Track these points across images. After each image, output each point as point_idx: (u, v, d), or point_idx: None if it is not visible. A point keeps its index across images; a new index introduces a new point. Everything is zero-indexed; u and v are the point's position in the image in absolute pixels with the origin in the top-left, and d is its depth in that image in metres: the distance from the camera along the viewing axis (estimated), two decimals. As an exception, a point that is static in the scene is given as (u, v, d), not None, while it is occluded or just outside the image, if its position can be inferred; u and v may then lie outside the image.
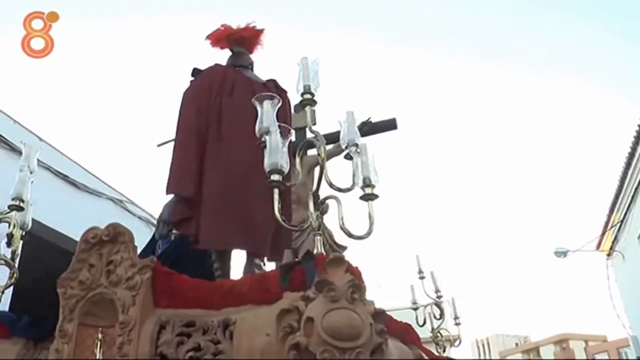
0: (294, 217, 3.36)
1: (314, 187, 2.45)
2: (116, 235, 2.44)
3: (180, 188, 3.05)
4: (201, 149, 3.10)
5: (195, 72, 3.47)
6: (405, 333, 3.03)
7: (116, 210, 7.92)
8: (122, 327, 2.22)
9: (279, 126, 2.40)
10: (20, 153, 3.15)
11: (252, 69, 3.68)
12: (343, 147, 2.57)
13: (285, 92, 3.46)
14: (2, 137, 5.60)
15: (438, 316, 4.94)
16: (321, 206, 2.39)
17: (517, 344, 23.74)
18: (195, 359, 2.13)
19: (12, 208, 3.00)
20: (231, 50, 3.70)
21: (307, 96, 2.61)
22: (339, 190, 2.46)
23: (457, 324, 5.00)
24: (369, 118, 4.95)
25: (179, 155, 3.10)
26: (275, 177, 2.25)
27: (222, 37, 3.68)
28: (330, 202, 2.45)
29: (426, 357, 3.21)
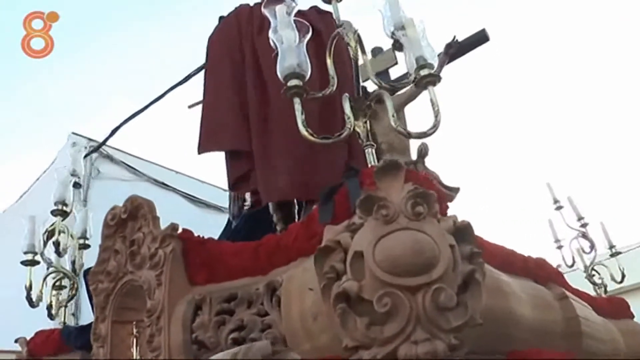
0: None
1: (355, 89, 1.81)
2: (134, 209, 1.97)
3: (223, 143, 2.54)
4: (241, 96, 2.57)
5: (222, 20, 2.98)
6: (538, 269, 2.30)
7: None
8: (149, 315, 1.76)
9: (295, 22, 1.81)
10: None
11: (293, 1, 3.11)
12: (389, 33, 1.92)
13: (330, 14, 2.84)
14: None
15: (588, 249, 3.98)
16: (369, 110, 1.75)
17: None
18: (240, 340, 1.62)
19: (55, 213, 2.71)
20: None
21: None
22: (392, 85, 1.82)
23: (614, 254, 3.99)
24: (454, 37, 4.15)
25: (213, 105, 2.59)
26: (293, 82, 1.66)
27: None
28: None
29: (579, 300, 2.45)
